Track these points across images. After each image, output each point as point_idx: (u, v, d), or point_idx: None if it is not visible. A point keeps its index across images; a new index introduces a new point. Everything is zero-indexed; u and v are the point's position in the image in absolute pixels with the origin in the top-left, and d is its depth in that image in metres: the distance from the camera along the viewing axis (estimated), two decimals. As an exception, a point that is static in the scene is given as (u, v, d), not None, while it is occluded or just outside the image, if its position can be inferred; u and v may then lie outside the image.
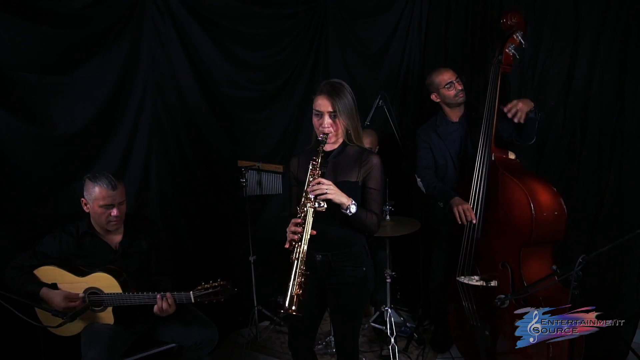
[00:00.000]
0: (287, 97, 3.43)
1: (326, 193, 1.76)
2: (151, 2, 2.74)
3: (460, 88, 2.72)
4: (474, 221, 2.42)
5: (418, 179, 2.84)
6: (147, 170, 2.88)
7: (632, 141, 2.63)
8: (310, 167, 1.85)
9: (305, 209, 1.80)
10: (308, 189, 1.80)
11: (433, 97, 2.81)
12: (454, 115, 2.79)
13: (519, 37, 2.50)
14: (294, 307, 1.71)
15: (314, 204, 1.78)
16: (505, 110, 2.44)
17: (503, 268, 2.35)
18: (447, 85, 2.70)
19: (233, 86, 3.18)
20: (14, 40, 2.28)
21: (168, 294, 2.09)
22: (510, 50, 2.49)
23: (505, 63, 2.50)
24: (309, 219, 1.78)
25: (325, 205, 1.78)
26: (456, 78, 2.72)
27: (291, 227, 1.81)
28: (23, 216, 2.38)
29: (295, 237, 1.78)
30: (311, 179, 1.82)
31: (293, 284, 1.73)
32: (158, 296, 2.08)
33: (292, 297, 1.72)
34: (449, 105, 2.78)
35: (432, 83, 2.78)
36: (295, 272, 1.75)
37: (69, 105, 2.49)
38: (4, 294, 1.80)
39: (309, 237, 1.78)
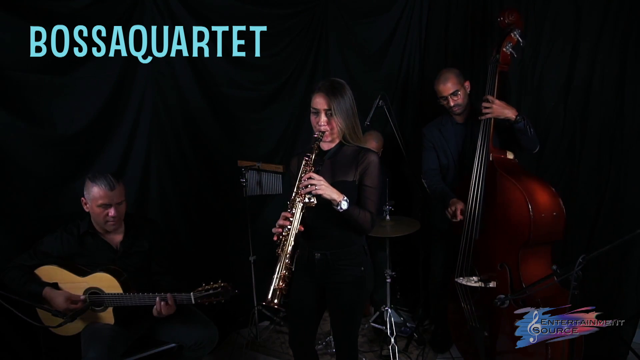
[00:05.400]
0: (287, 97, 3.43)
1: (317, 188, 1.75)
2: (151, 2, 2.74)
3: (453, 103, 2.62)
4: (457, 219, 2.48)
5: (423, 180, 2.84)
6: (147, 170, 2.88)
7: (632, 141, 2.63)
8: (303, 163, 1.83)
9: (294, 203, 1.79)
10: (299, 184, 1.79)
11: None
12: (459, 117, 2.74)
13: (517, 36, 2.46)
14: (276, 301, 1.71)
15: (304, 198, 1.77)
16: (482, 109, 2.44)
17: (502, 269, 2.35)
18: (442, 99, 2.66)
19: (233, 86, 3.18)
20: (14, 40, 2.27)
21: (168, 295, 2.09)
22: (507, 49, 2.45)
23: (502, 62, 2.46)
24: (298, 214, 1.78)
25: (315, 201, 1.77)
26: (453, 92, 2.60)
27: (279, 221, 1.80)
28: (23, 216, 2.39)
29: (280, 230, 1.78)
30: (303, 174, 1.80)
31: (277, 278, 1.73)
32: (157, 299, 2.08)
33: (274, 290, 1.72)
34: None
35: (434, 87, 2.71)
36: (280, 266, 1.75)
37: (69, 105, 2.49)
38: (5, 294, 1.80)
39: (296, 232, 1.77)
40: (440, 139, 2.78)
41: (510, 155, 2.50)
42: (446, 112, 2.78)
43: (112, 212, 2.16)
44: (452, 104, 2.64)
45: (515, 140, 2.51)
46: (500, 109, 2.42)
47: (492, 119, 2.43)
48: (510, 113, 2.41)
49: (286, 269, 1.75)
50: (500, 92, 2.49)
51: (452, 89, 2.62)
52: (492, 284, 2.39)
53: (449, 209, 2.55)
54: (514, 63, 2.56)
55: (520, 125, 2.42)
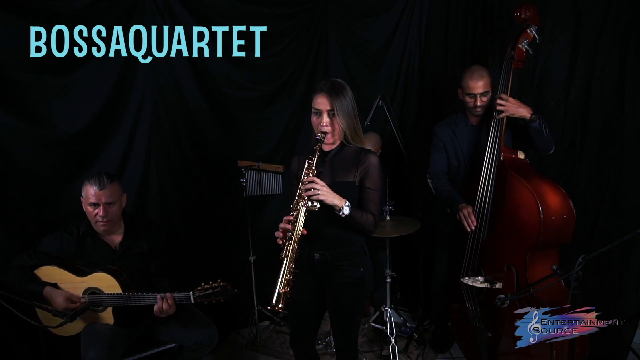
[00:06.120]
0: (287, 97, 3.43)
1: (318, 194, 1.75)
2: (151, 2, 2.74)
3: (480, 104, 2.53)
4: (471, 228, 2.41)
5: (429, 180, 2.78)
6: (147, 170, 2.88)
7: (632, 141, 2.63)
8: (306, 166, 1.84)
9: (297, 207, 1.79)
10: (301, 188, 1.80)
11: (459, 91, 2.64)
12: (474, 119, 2.66)
13: (533, 32, 2.39)
14: (280, 305, 1.71)
15: (307, 203, 1.77)
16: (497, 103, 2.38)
17: (508, 270, 2.33)
18: (470, 95, 2.55)
19: (233, 86, 3.18)
20: (14, 40, 2.27)
21: (168, 294, 2.09)
22: (523, 45, 2.38)
23: (517, 59, 2.39)
24: (301, 218, 1.78)
25: (318, 205, 1.77)
26: (484, 93, 2.51)
27: (282, 225, 1.81)
28: (23, 216, 2.39)
29: (282, 234, 1.78)
30: (306, 177, 1.81)
31: (281, 282, 1.73)
32: (158, 297, 2.08)
33: (279, 294, 1.72)
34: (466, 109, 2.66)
35: (461, 79, 2.58)
36: (284, 270, 1.75)
37: (69, 105, 2.49)
38: (4, 294, 1.79)
39: (299, 236, 1.77)
40: (453, 139, 2.69)
41: (521, 155, 2.46)
42: (460, 111, 2.70)
43: (100, 211, 2.15)
44: (478, 103, 2.54)
45: (530, 140, 2.45)
46: (514, 107, 2.36)
47: (505, 118, 2.39)
48: (525, 112, 2.36)
49: (290, 273, 1.75)
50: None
51: (483, 89, 2.52)
52: (498, 285, 2.37)
53: (461, 215, 2.45)
54: (526, 60, 2.48)
55: (535, 125, 2.37)
